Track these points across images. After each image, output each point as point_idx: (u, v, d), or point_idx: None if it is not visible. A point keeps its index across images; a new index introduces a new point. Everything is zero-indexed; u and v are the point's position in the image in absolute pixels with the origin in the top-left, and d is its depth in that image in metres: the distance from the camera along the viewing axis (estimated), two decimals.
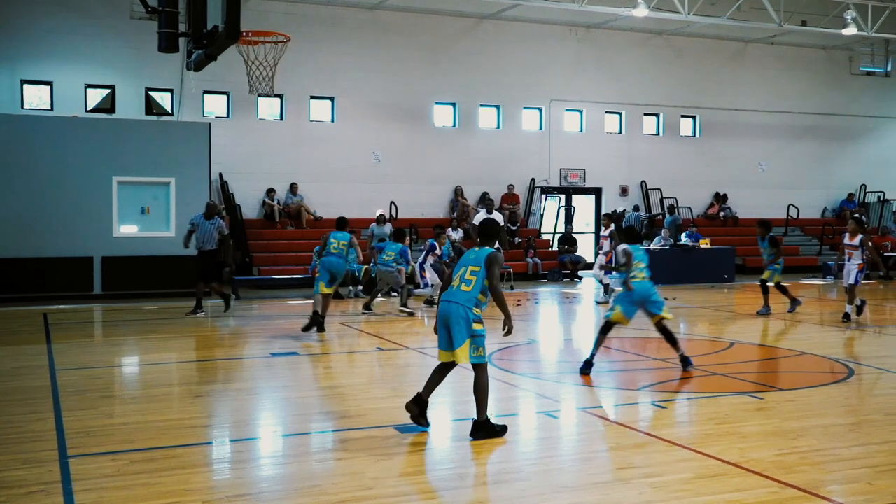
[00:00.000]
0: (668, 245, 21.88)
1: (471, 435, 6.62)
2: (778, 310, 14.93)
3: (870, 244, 14.35)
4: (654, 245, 21.93)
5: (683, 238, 22.40)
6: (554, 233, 24.59)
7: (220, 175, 20.87)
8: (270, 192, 21.71)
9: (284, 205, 21.84)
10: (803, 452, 6.22)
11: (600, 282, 17.09)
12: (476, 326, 6.56)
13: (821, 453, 6.21)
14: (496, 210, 20.39)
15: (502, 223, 19.52)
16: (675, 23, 24.18)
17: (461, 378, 9.20)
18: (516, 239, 22.99)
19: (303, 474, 5.84)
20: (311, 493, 5.39)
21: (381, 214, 20.60)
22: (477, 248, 6.85)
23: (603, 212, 25.03)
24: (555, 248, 23.88)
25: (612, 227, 16.99)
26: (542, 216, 24.88)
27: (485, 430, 6.61)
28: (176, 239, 17.61)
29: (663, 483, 5.53)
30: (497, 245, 7.03)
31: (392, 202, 22.27)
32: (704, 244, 21.97)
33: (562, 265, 22.10)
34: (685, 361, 9.24)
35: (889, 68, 28.96)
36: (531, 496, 5.33)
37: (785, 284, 15.10)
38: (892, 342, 12.61)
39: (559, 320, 15.20)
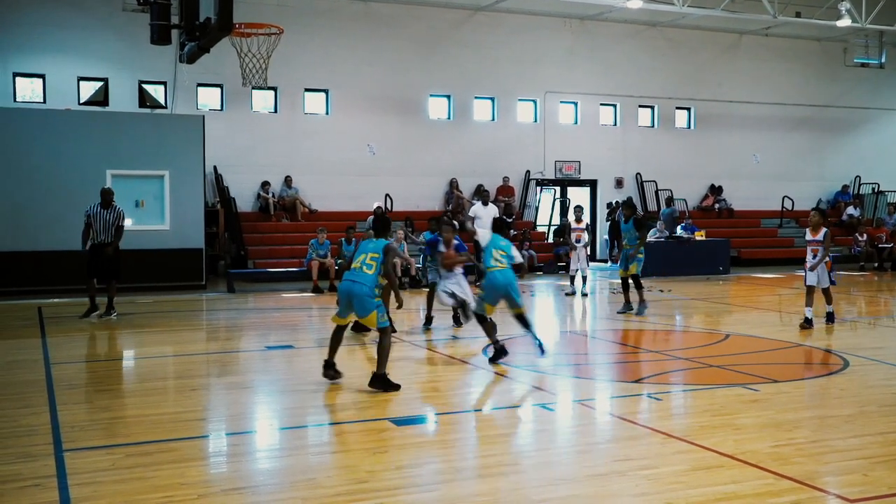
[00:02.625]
0: (664, 237, 21.89)
1: (369, 385, 7.87)
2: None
3: (832, 239, 12.69)
4: (650, 237, 21.93)
5: (679, 230, 22.41)
6: (549, 225, 24.58)
7: (215, 168, 20.81)
8: (265, 184, 21.66)
9: (279, 198, 21.78)
10: (799, 444, 6.23)
11: (584, 276, 17.08)
12: (377, 300, 8.00)
13: (816, 445, 6.23)
14: (491, 202, 20.36)
15: (497, 215, 19.47)
16: (669, 14, 24.14)
17: (453, 373, 9.22)
18: (511, 231, 22.96)
19: (298, 468, 5.84)
20: (306, 486, 5.38)
21: (378, 207, 20.57)
22: (375, 239, 8.25)
23: (605, 203, 25.05)
24: (550, 240, 23.89)
25: (587, 220, 17.44)
26: (537, 208, 24.86)
27: (381, 381, 7.87)
28: (171, 232, 17.61)
29: (659, 475, 5.53)
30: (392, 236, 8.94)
31: (387, 195, 22.24)
32: (700, 236, 22.00)
33: (557, 257, 22.09)
34: (540, 347, 9.40)
35: (883, 60, 28.94)
36: (528, 488, 5.33)
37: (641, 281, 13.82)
38: (887, 333, 12.64)
39: (555, 312, 15.20)
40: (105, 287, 13.24)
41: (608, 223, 24.45)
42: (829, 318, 12.24)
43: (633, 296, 13.78)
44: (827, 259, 12.00)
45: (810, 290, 12.04)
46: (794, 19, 24.63)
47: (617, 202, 24.90)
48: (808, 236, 12.19)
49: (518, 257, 9.66)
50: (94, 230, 13.03)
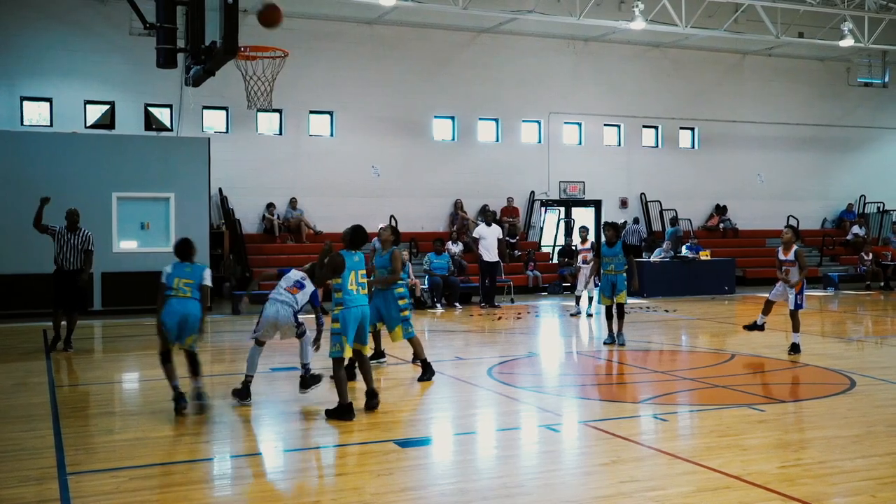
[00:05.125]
0: (669, 257, 21.87)
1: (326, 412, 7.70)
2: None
3: (805, 257, 11.63)
4: (655, 257, 21.93)
5: (684, 250, 22.39)
6: (554, 245, 24.59)
7: (220, 190, 20.88)
8: (270, 206, 21.72)
9: (284, 219, 21.84)
10: (806, 465, 6.19)
11: (590, 297, 16.92)
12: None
13: (823, 466, 6.18)
14: (495, 223, 20.39)
15: (501, 236, 19.51)
16: (672, 35, 24.24)
17: (457, 394, 9.19)
18: (516, 252, 22.98)
19: (303, 490, 5.81)
20: None
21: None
22: (353, 252, 7.82)
23: (604, 223, 25.06)
24: (555, 260, 23.87)
25: (592, 240, 17.07)
26: (541, 229, 24.88)
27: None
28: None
29: (665, 496, 5.50)
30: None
31: (392, 216, 22.27)
32: (705, 256, 21.97)
33: (562, 278, 22.07)
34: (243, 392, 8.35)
35: (887, 79, 29.03)
36: None
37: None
38: (894, 353, 12.58)
39: (559, 333, 15.17)
40: (67, 317, 12.09)
41: None
42: (794, 348, 11.28)
43: (614, 324, 12.44)
44: (797, 280, 11.20)
45: (769, 303, 11.52)
46: (797, 39, 24.73)
47: (624, 222, 24.93)
48: (781, 255, 11.40)
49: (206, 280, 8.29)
50: (60, 254, 12.05)
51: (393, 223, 22.11)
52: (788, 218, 26.52)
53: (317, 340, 8.41)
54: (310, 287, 8.33)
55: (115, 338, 14.12)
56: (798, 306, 11.25)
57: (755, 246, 26.26)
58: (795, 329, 11.38)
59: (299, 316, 8.33)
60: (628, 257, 12.42)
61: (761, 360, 11.02)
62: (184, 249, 8.46)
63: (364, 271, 7.84)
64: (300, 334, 8.33)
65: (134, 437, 7.20)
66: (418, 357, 9.80)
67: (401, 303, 9.63)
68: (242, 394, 8.31)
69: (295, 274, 8.39)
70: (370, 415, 7.82)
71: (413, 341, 9.73)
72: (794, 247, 11.31)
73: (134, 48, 19.88)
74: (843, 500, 5.51)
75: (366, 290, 7.82)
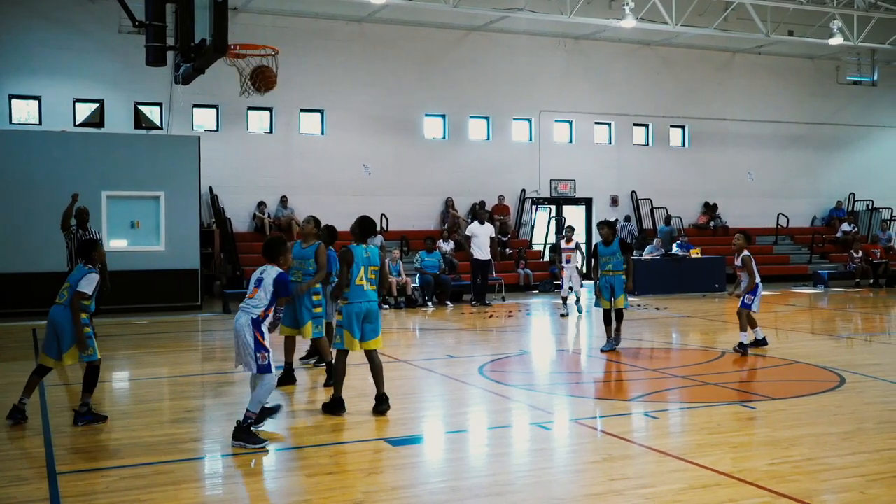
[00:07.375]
0: (660, 255, 21.91)
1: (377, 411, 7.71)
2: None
3: (752, 264, 11.47)
4: (646, 255, 21.97)
5: (674, 248, 22.45)
6: (545, 244, 24.61)
7: (210, 188, 20.83)
8: (261, 205, 21.67)
9: (275, 218, 21.79)
10: (796, 462, 6.21)
11: (578, 296, 16.82)
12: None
13: (813, 462, 6.21)
14: (487, 221, 20.39)
15: (494, 234, 19.50)
16: (662, 34, 24.28)
17: (449, 392, 9.19)
18: (507, 250, 22.99)
19: (294, 489, 5.80)
20: None
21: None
22: (364, 246, 7.62)
23: (596, 221, 25.06)
24: (546, 258, 23.89)
25: (576, 240, 16.97)
26: (532, 227, 24.90)
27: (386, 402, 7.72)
28: (166, 253, 17.59)
29: (656, 494, 5.51)
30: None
31: (383, 214, 22.25)
32: (695, 254, 22.02)
33: (553, 276, 22.09)
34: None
35: (876, 77, 29.14)
36: None
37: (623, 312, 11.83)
38: (883, 350, 12.64)
39: (551, 331, 15.19)
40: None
41: None
42: (741, 346, 11.22)
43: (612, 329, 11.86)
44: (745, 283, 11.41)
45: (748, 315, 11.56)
46: (786, 38, 24.80)
47: (616, 220, 24.97)
48: (736, 261, 11.59)
49: None
50: (73, 256, 11.64)
51: (385, 225, 22.09)
52: (779, 216, 26.65)
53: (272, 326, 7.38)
54: (269, 277, 7.16)
55: (105, 337, 14.04)
56: (744, 306, 11.37)
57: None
58: (741, 328, 11.36)
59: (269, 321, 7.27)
60: (626, 256, 11.69)
61: (751, 358, 11.05)
62: (81, 248, 7.85)
63: (375, 267, 7.62)
64: (259, 369, 6.90)
65: (124, 436, 7.18)
66: (323, 360, 9.44)
67: (315, 298, 9.15)
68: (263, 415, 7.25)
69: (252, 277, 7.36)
70: (362, 413, 7.81)
71: (320, 342, 9.36)
72: (744, 252, 11.47)
73: (123, 46, 19.79)
74: (833, 496, 5.53)
75: (374, 287, 7.61)
